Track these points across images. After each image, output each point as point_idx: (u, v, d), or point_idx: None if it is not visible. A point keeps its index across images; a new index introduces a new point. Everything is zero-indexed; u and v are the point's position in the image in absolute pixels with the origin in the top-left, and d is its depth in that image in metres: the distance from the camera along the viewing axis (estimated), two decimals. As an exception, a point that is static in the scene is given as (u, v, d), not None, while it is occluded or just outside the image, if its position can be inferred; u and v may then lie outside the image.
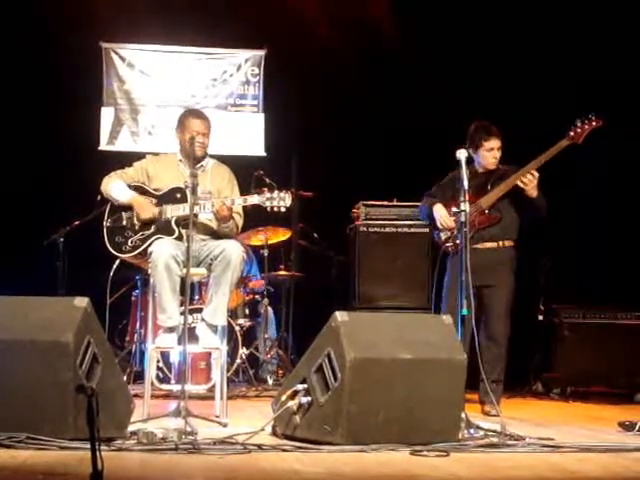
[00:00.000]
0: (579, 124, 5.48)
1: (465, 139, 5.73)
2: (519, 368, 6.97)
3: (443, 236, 5.78)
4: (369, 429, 3.86)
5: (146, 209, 5.16)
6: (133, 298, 7.33)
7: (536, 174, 5.54)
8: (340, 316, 4.01)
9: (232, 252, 4.97)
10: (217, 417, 4.73)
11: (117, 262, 6.46)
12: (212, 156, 5.45)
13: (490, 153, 5.71)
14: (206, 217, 5.21)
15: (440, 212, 5.75)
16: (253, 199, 5.13)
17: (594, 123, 5.49)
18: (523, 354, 7.09)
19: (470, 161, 5.84)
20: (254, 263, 7.78)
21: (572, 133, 5.49)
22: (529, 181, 5.53)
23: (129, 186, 5.26)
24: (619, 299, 7.12)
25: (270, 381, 7.03)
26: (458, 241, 5.66)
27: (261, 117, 8.78)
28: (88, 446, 2.78)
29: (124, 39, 8.68)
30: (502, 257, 5.69)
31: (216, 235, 5.24)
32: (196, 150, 5.15)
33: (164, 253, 4.91)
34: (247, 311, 7.45)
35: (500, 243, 5.71)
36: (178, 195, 5.16)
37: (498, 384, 5.62)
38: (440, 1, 8.13)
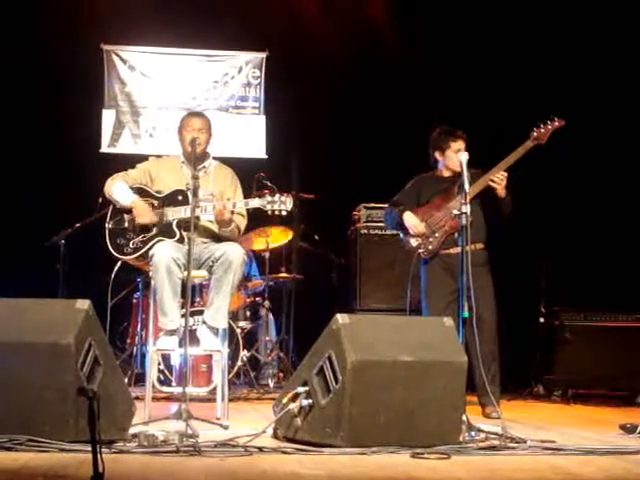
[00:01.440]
0: (541, 125, 5.52)
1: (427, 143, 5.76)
2: (520, 370, 6.98)
3: (414, 242, 5.77)
4: (370, 431, 3.86)
5: (144, 215, 5.15)
6: (134, 300, 7.33)
7: (505, 174, 5.56)
8: (341, 318, 4.01)
9: (233, 255, 4.97)
10: (218, 419, 4.74)
11: (118, 264, 6.45)
12: (215, 158, 5.46)
13: (457, 155, 5.70)
14: (208, 220, 5.21)
15: (411, 220, 5.74)
16: (254, 202, 5.13)
17: (556, 123, 5.53)
18: (524, 356, 7.10)
19: (434, 166, 5.87)
20: (253, 264, 7.78)
21: (535, 134, 5.52)
22: (500, 180, 5.55)
23: (131, 188, 5.27)
24: (620, 301, 7.12)
25: (271, 384, 7.02)
26: (431, 247, 5.70)
27: (262, 119, 8.78)
28: (89, 448, 2.79)
29: (125, 41, 8.68)
30: (476, 259, 5.66)
31: (217, 238, 5.24)
32: (193, 144, 5.12)
33: (165, 256, 4.91)
34: (248, 313, 7.46)
35: (472, 246, 5.67)
36: (180, 197, 5.16)
37: (495, 382, 5.60)
38: (439, 4, 8.13)
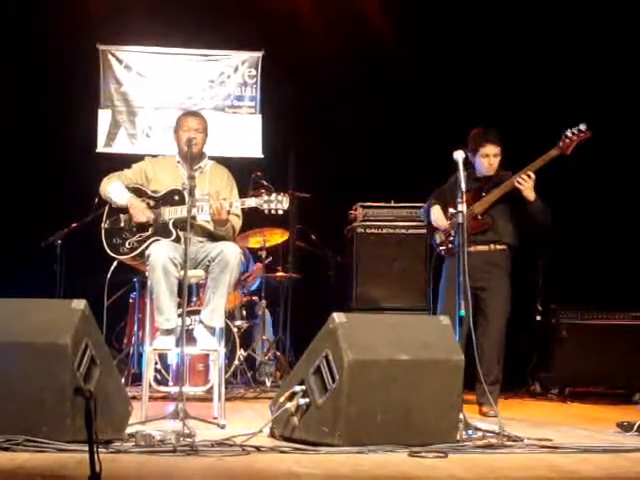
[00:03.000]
0: (569, 134, 5.44)
1: (465, 142, 5.74)
2: (517, 369, 6.98)
3: (438, 239, 5.83)
4: (367, 430, 3.86)
5: (141, 213, 5.16)
6: (131, 300, 7.32)
7: (532, 175, 5.54)
8: (338, 317, 4.01)
9: (230, 254, 4.97)
10: (215, 419, 4.74)
11: (115, 264, 6.45)
12: (211, 158, 5.46)
13: (486, 159, 5.74)
14: (204, 219, 5.20)
15: (436, 213, 5.81)
16: (251, 202, 5.14)
17: (583, 134, 5.45)
18: (521, 355, 7.10)
19: (470, 165, 5.87)
20: (251, 262, 7.78)
21: (561, 143, 5.46)
22: (524, 181, 5.53)
23: (127, 188, 5.27)
24: (617, 300, 7.12)
25: (268, 383, 7.02)
26: (451, 245, 5.71)
27: (258, 119, 8.78)
28: (86, 448, 2.79)
29: (121, 41, 8.67)
30: (495, 259, 5.70)
31: (214, 237, 5.24)
32: (189, 143, 5.12)
33: (162, 255, 4.91)
34: (245, 313, 7.46)
35: (492, 246, 5.72)
36: (176, 197, 5.17)
37: (495, 385, 5.63)
38: (439, 4, 8.13)
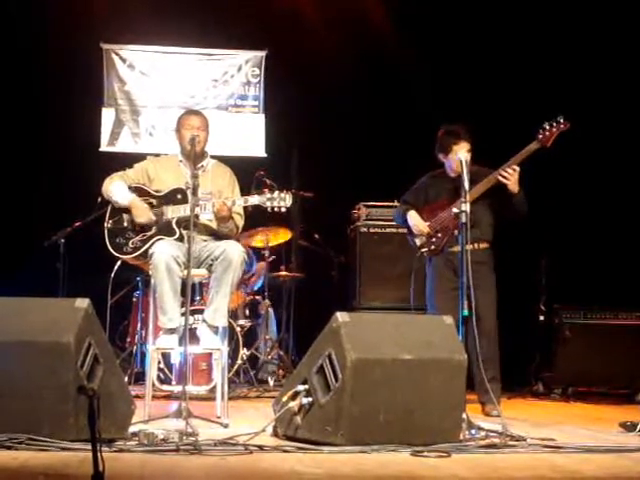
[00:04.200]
0: (547, 127, 5.39)
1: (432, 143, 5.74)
2: (520, 368, 6.98)
3: (418, 241, 5.80)
4: (370, 430, 3.86)
5: (142, 214, 5.15)
6: (134, 299, 7.33)
7: (517, 168, 5.50)
8: (341, 317, 4.01)
9: (233, 253, 4.96)
10: (218, 418, 4.74)
11: (118, 263, 6.46)
12: (213, 157, 5.46)
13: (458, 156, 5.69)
14: (207, 218, 5.21)
15: (414, 219, 5.78)
16: (254, 200, 5.13)
17: (562, 126, 5.40)
18: (524, 354, 7.10)
19: (440, 165, 5.86)
20: (254, 262, 7.78)
21: (541, 136, 5.41)
22: (510, 175, 5.49)
23: (130, 187, 5.27)
24: (620, 299, 7.12)
25: (271, 382, 7.02)
26: (434, 246, 5.71)
27: (261, 118, 8.79)
28: (89, 447, 2.79)
29: (125, 40, 8.69)
30: (480, 258, 5.67)
31: (217, 236, 5.24)
32: (193, 142, 5.12)
33: (165, 254, 4.91)
34: (248, 312, 7.46)
35: (475, 245, 5.66)
36: (179, 196, 5.17)
37: (494, 383, 5.61)
38: (440, 4, 8.13)
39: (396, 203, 7.28)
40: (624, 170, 7.68)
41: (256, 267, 7.76)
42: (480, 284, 5.61)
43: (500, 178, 5.51)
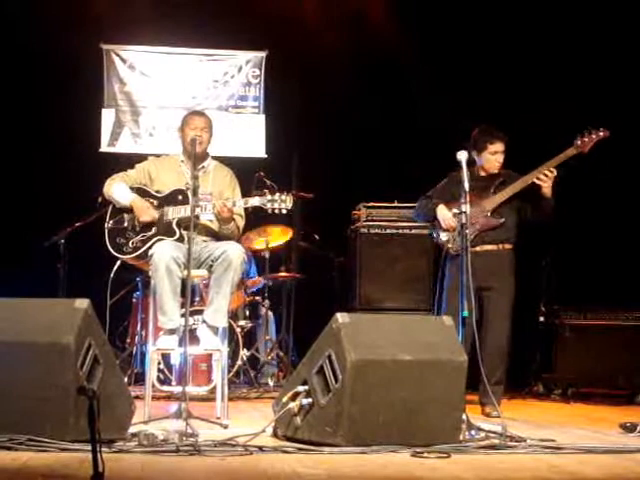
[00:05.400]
0: (586, 134, 5.48)
1: (467, 141, 5.72)
2: (520, 369, 6.97)
3: (444, 237, 5.77)
4: (370, 430, 3.86)
5: (145, 212, 5.17)
6: (134, 300, 7.33)
7: (554, 171, 5.53)
8: (341, 317, 4.01)
9: (233, 254, 4.97)
10: (218, 419, 4.74)
11: (118, 264, 6.46)
12: (214, 158, 5.46)
13: (494, 157, 5.72)
14: (207, 219, 5.21)
15: (444, 213, 5.74)
16: (254, 201, 5.14)
17: (601, 134, 5.50)
18: (524, 355, 7.09)
19: (471, 163, 5.85)
20: (252, 264, 7.78)
21: (579, 142, 5.49)
22: (547, 178, 5.52)
23: (131, 188, 5.27)
24: (620, 300, 7.12)
25: (271, 383, 7.01)
26: (458, 244, 5.69)
27: (262, 118, 8.78)
28: (89, 448, 2.79)
29: (125, 41, 8.68)
30: (502, 260, 5.70)
31: (217, 237, 5.25)
32: (194, 143, 5.12)
33: (165, 255, 4.91)
34: (248, 313, 7.45)
35: (500, 246, 5.72)
36: (180, 197, 5.17)
37: (499, 386, 5.62)
38: (440, 3, 8.13)
39: (397, 204, 7.32)
40: (623, 171, 7.67)
41: (255, 276, 7.73)
42: (497, 287, 5.64)
43: (537, 181, 5.54)
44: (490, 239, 5.69)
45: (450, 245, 5.73)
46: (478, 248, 5.59)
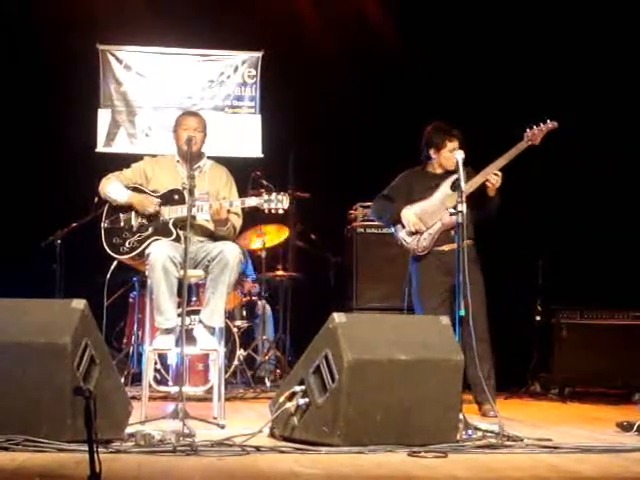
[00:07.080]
0: (534, 126, 5.48)
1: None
2: (517, 368, 6.98)
3: (409, 239, 5.75)
4: (367, 430, 3.86)
5: (148, 204, 5.16)
6: (130, 300, 7.32)
7: (500, 175, 5.53)
8: (338, 317, 4.01)
9: (229, 254, 4.96)
10: (215, 419, 4.74)
11: (114, 264, 6.46)
12: (209, 157, 5.46)
13: (452, 153, 5.69)
14: (204, 219, 5.20)
15: (409, 217, 5.71)
16: (251, 201, 5.14)
17: (549, 125, 5.49)
18: (521, 355, 7.11)
19: (423, 161, 5.84)
20: (249, 264, 7.78)
21: (529, 134, 5.48)
22: (496, 181, 5.52)
23: (127, 187, 5.27)
24: (617, 299, 7.12)
25: (268, 383, 7.01)
26: (425, 243, 5.68)
27: (258, 118, 8.78)
28: (86, 448, 2.79)
29: (121, 41, 8.67)
30: (469, 255, 5.65)
31: (214, 237, 5.24)
32: (189, 143, 5.12)
33: (162, 255, 4.91)
34: (244, 312, 7.45)
35: (464, 242, 5.67)
36: (176, 197, 5.17)
37: (489, 380, 5.60)
38: (438, 4, 8.13)
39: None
40: (620, 171, 7.68)
41: (249, 280, 7.73)
42: (471, 282, 5.61)
43: (487, 183, 5.54)
44: (451, 239, 5.64)
45: (415, 247, 5.72)
46: (445, 247, 5.58)
